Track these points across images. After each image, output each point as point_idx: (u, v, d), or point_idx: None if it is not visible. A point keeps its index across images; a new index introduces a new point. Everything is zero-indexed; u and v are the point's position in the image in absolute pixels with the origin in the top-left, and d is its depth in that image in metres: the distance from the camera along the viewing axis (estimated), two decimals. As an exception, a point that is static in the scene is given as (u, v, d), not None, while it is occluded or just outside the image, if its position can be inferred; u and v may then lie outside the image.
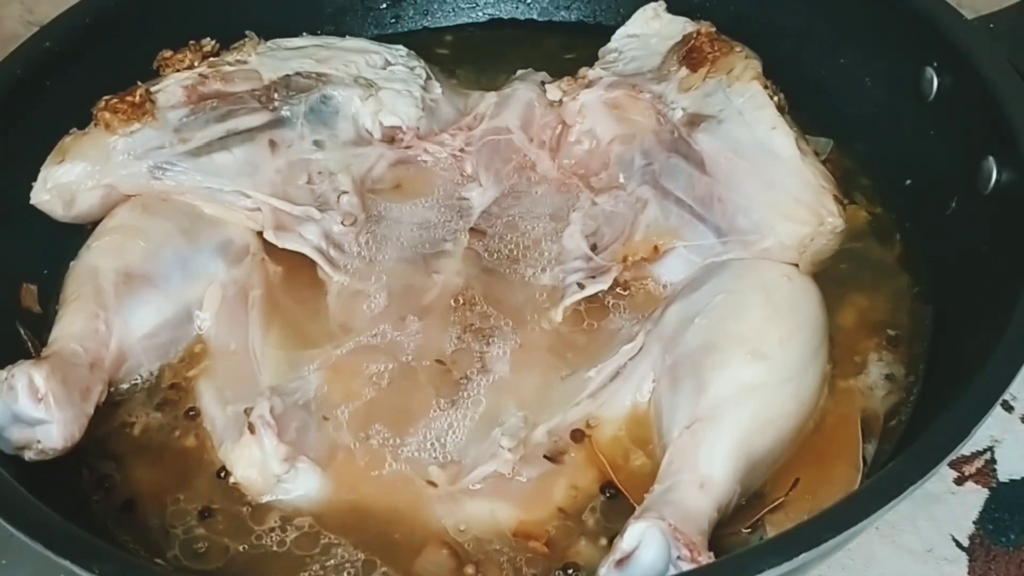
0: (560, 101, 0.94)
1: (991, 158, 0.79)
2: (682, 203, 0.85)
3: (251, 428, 0.73)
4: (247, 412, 0.74)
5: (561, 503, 0.74)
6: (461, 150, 0.94)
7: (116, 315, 0.79)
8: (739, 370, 0.74)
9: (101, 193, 0.85)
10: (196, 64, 0.90)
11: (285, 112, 0.89)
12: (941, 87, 0.85)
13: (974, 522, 0.79)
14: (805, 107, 0.91)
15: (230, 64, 0.90)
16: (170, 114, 0.86)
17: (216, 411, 0.78)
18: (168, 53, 0.90)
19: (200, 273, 0.83)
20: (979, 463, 0.82)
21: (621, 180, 0.90)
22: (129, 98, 0.85)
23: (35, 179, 0.85)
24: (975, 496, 0.81)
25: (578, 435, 0.77)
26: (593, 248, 0.87)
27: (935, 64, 0.85)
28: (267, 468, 0.73)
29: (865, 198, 0.90)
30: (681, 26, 0.95)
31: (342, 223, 0.87)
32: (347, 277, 0.85)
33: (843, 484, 0.71)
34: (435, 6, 1.09)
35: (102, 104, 0.85)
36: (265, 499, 0.74)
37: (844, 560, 0.77)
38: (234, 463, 0.74)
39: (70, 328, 0.77)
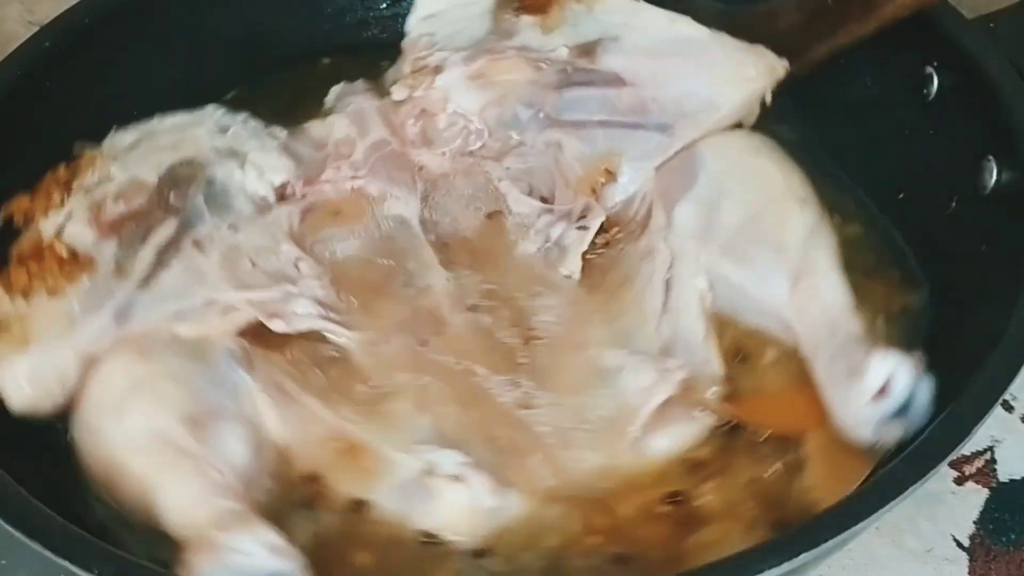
0: (411, 97, 0.92)
1: (991, 158, 0.79)
2: (606, 123, 0.87)
3: (455, 479, 0.71)
4: (427, 473, 0.71)
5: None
6: (354, 178, 0.89)
7: (216, 459, 0.71)
8: (800, 219, 0.80)
9: (80, 365, 0.75)
10: (66, 198, 0.81)
11: (189, 210, 0.82)
12: (941, 87, 0.85)
13: (974, 522, 0.79)
14: (804, 107, 0.90)
15: (101, 183, 0.82)
16: (101, 253, 0.79)
17: (375, 500, 0.73)
18: (25, 201, 0.80)
19: (235, 388, 0.75)
20: (979, 463, 0.82)
21: (515, 138, 0.90)
22: (50, 255, 0.77)
23: (35, 181, 0.84)
24: (975, 496, 0.81)
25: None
26: (543, 200, 0.87)
27: (935, 64, 0.85)
28: (481, 507, 0.70)
29: (864, 198, 0.90)
30: None
31: (320, 286, 0.82)
32: (360, 332, 0.81)
33: None
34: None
35: (21, 273, 0.76)
36: (481, 536, 0.71)
37: (844, 560, 0.77)
38: (446, 520, 0.71)
39: (193, 494, 0.69)
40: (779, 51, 0.85)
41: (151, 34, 0.95)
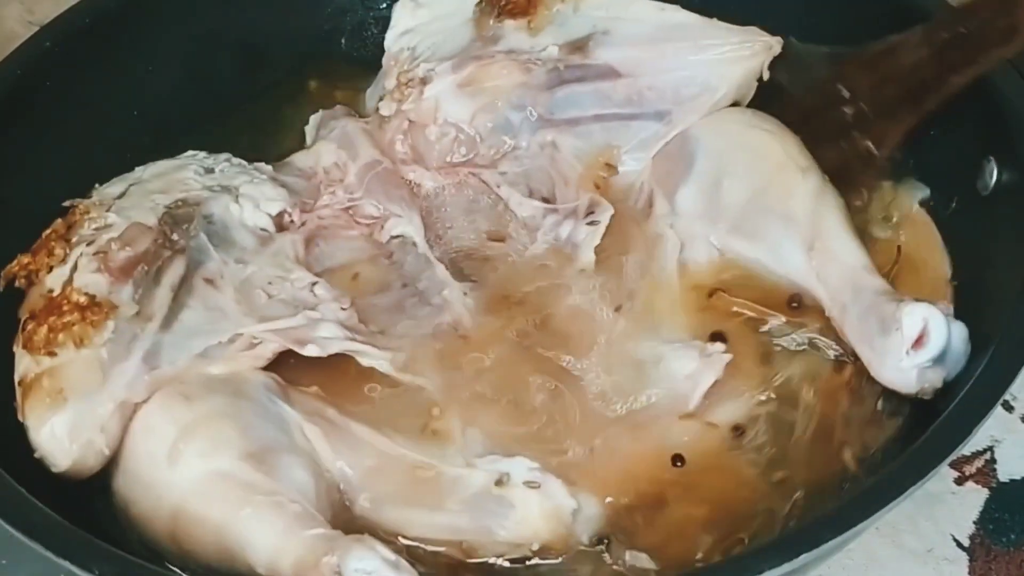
0: (399, 112, 0.91)
1: (991, 158, 0.79)
2: (602, 117, 0.89)
3: (531, 485, 0.70)
4: (501, 482, 0.70)
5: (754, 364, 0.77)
6: (350, 200, 0.89)
7: (290, 492, 0.68)
8: (803, 187, 0.81)
9: (120, 415, 0.72)
10: (67, 251, 0.77)
11: (194, 248, 0.80)
12: (941, 87, 0.85)
13: (974, 522, 0.79)
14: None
15: (100, 232, 0.79)
16: (119, 298, 0.75)
17: (443, 517, 0.71)
18: (26, 259, 0.78)
19: (282, 421, 0.74)
20: (979, 463, 0.82)
21: (508, 142, 0.90)
22: (68, 305, 0.74)
23: (34, 180, 0.84)
24: (975, 496, 0.81)
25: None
26: (545, 201, 0.87)
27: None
28: (564, 510, 0.70)
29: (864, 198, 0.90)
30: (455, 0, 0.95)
31: (341, 307, 0.81)
32: (391, 352, 0.79)
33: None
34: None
35: (40, 330, 0.73)
36: (577, 541, 0.70)
37: (844, 560, 0.77)
38: (536, 527, 0.70)
39: (278, 528, 0.66)
40: (909, 90, 0.82)
41: (151, 34, 0.95)
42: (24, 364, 0.73)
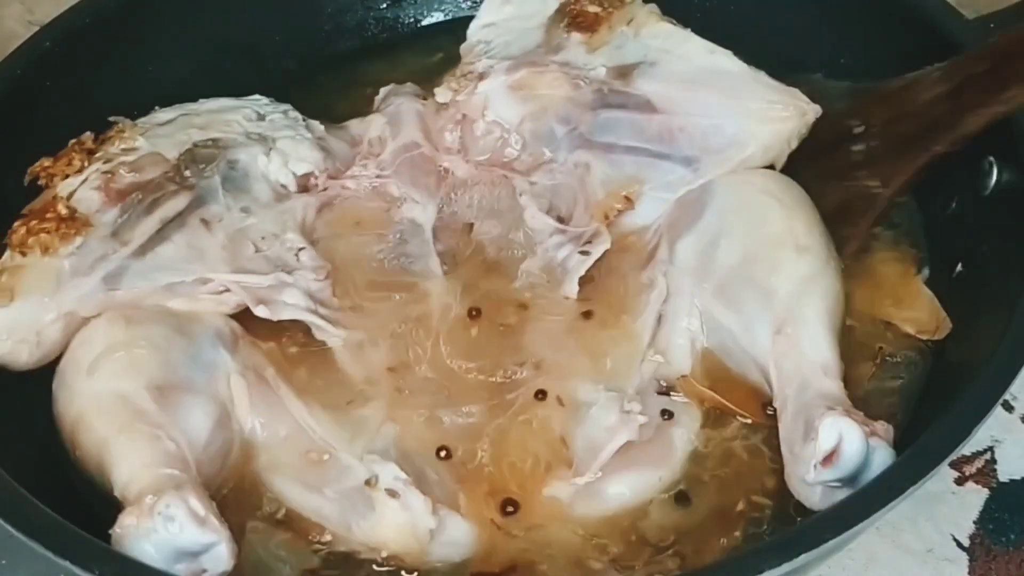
0: (453, 101, 0.92)
1: (991, 158, 0.79)
2: (634, 150, 0.88)
3: (392, 493, 0.70)
4: (370, 483, 0.71)
5: (684, 451, 0.75)
6: (378, 177, 0.90)
7: (174, 430, 0.71)
8: (793, 266, 0.78)
9: (63, 323, 0.77)
10: (86, 164, 0.83)
11: (203, 188, 0.83)
12: (941, 87, 0.85)
13: (974, 522, 0.79)
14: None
15: (123, 154, 0.83)
16: (102, 218, 0.80)
17: (315, 500, 0.73)
18: (47, 162, 0.83)
19: (213, 367, 0.76)
20: (979, 463, 0.82)
21: (547, 154, 0.90)
22: (51, 214, 0.79)
23: (34, 180, 0.84)
24: (975, 496, 0.81)
25: (664, 390, 0.78)
26: (560, 220, 0.87)
27: (934, 64, 0.85)
28: (419, 527, 0.69)
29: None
30: (541, 1, 0.96)
31: (315, 279, 0.82)
32: (346, 331, 0.81)
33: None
34: (435, 5, 1.09)
35: (21, 229, 0.78)
36: (431, 560, 0.70)
37: (844, 560, 0.77)
38: (385, 536, 0.70)
39: (142, 458, 0.69)
40: (923, 127, 0.81)
41: (151, 35, 0.95)
42: (3, 257, 0.79)
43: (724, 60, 0.88)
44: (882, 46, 0.90)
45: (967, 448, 0.80)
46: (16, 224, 0.79)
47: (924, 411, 0.75)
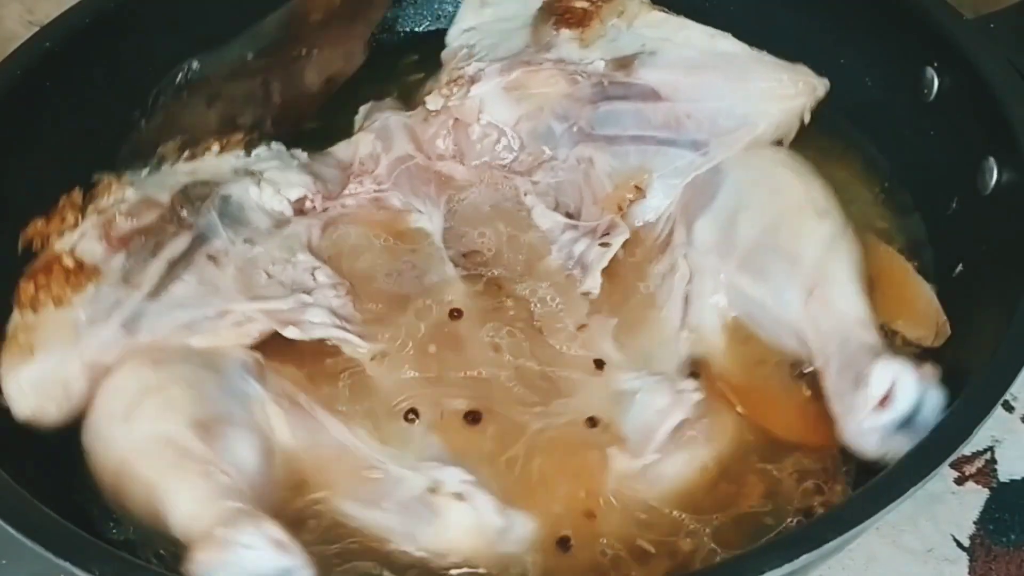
0: (445, 107, 0.91)
1: (991, 158, 0.79)
2: (639, 139, 0.87)
3: (458, 497, 0.69)
4: (434, 490, 0.70)
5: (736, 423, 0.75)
6: (377, 192, 0.89)
7: (224, 464, 0.70)
8: (817, 231, 0.79)
9: (88, 374, 0.75)
10: (80, 219, 0.82)
11: (202, 225, 0.82)
12: (941, 87, 0.85)
13: (975, 522, 0.79)
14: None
15: (115, 204, 0.82)
16: (109, 265, 0.79)
17: (375, 516, 0.72)
18: (40, 223, 0.81)
19: (246, 398, 0.75)
20: (979, 463, 0.82)
21: (547, 152, 0.90)
22: (57, 267, 0.77)
23: (34, 180, 0.84)
24: (975, 496, 0.81)
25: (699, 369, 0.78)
26: (569, 216, 0.87)
27: (935, 64, 0.85)
28: (488, 526, 0.69)
29: (864, 198, 0.90)
30: (522, 2, 0.95)
31: (336, 295, 0.82)
32: (374, 344, 0.80)
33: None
34: (436, 6, 1.09)
35: (29, 287, 0.77)
36: (504, 561, 0.70)
37: (844, 560, 0.77)
38: (453, 540, 0.69)
39: (200, 494, 0.68)
40: None
41: (152, 34, 0.94)
42: (12, 318, 0.77)
43: (726, 43, 0.89)
44: (881, 46, 0.90)
45: (967, 448, 0.79)
46: (21, 283, 0.77)
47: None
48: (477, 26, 0.96)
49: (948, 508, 0.80)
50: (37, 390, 0.75)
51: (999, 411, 0.82)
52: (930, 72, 0.85)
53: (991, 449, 0.83)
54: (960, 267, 0.80)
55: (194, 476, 0.69)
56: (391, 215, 0.88)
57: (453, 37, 0.97)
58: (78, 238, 0.80)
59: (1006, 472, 0.82)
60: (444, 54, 0.96)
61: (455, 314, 0.82)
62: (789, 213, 0.81)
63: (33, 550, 0.62)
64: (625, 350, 0.79)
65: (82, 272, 0.77)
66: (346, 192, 0.89)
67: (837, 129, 0.92)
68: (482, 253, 0.86)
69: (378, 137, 0.92)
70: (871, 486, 0.63)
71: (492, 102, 0.90)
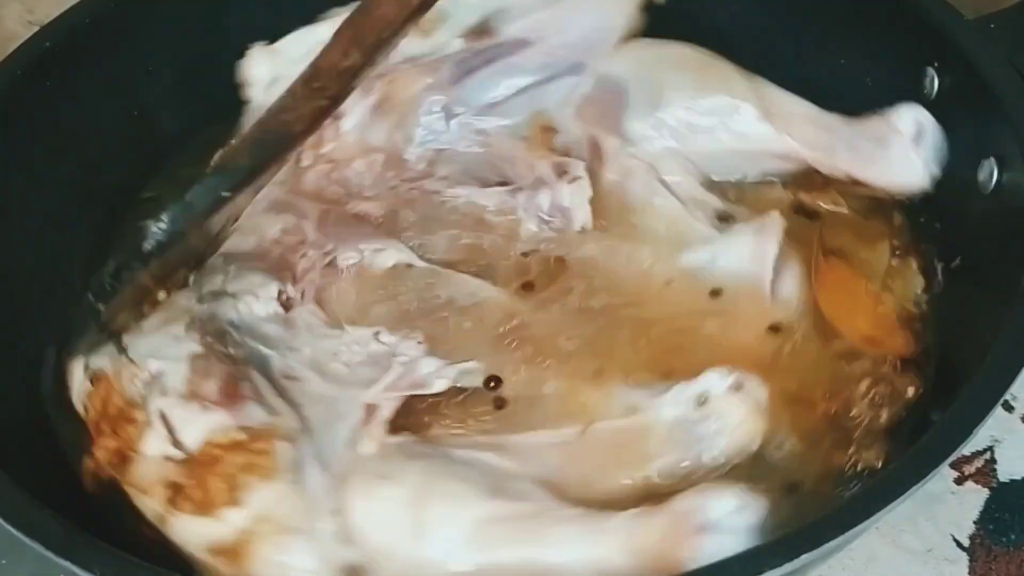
0: (318, 156, 0.88)
1: (991, 158, 0.79)
2: (522, 90, 0.89)
3: (737, 387, 0.70)
4: (703, 402, 0.69)
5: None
6: (326, 254, 0.83)
7: (547, 503, 0.67)
8: (733, 72, 0.86)
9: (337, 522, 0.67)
10: (137, 416, 0.70)
11: (250, 356, 0.76)
12: (941, 87, 0.85)
13: (975, 522, 0.79)
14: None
15: (153, 383, 0.72)
16: (258, 418, 0.70)
17: (660, 464, 0.69)
18: (109, 443, 0.70)
19: (464, 459, 0.70)
20: (979, 463, 0.82)
21: (435, 146, 0.90)
22: (220, 450, 0.67)
23: (34, 181, 0.84)
24: (975, 496, 0.81)
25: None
26: (504, 184, 0.87)
27: (935, 64, 0.85)
28: (761, 402, 0.70)
29: (864, 198, 0.90)
30: (319, 31, 0.89)
31: (418, 343, 0.77)
32: (478, 364, 0.77)
33: None
34: (436, 7, 1.09)
35: (215, 483, 0.66)
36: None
37: (844, 560, 0.77)
38: (750, 429, 0.69)
39: (582, 529, 0.64)
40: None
41: (152, 34, 0.95)
42: (209, 530, 0.66)
43: None
44: (881, 46, 0.90)
45: (967, 448, 0.79)
46: (191, 491, 0.67)
47: (924, 411, 0.75)
48: (280, 76, 0.88)
49: (948, 508, 0.80)
50: (327, 562, 0.66)
51: (999, 411, 0.82)
52: (930, 72, 0.85)
53: (991, 449, 0.83)
54: (960, 268, 0.80)
55: (553, 527, 0.64)
56: (361, 266, 0.83)
57: (260, 96, 0.90)
58: (166, 430, 0.69)
59: (1006, 472, 0.82)
60: (255, 107, 0.90)
61: (502, 304, 0.81)
62: (703, 71, 0.86)
63: (33, 550, 0.62)
64: (662, 249, 0.81)
65: (260, 436, 0.68)
66: (300, 271, 0.83)
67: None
68: (464, 253, 0.85)
69: (277, 211, 0.85)
70: (871, 486, 0.63)
71: (367, 127, 0.88)
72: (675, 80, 0.86)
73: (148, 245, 0.75)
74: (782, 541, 0.60)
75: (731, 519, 0.62)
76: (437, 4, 0.84)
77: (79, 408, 0.74)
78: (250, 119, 0.91)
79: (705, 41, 0.91)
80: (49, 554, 0.61)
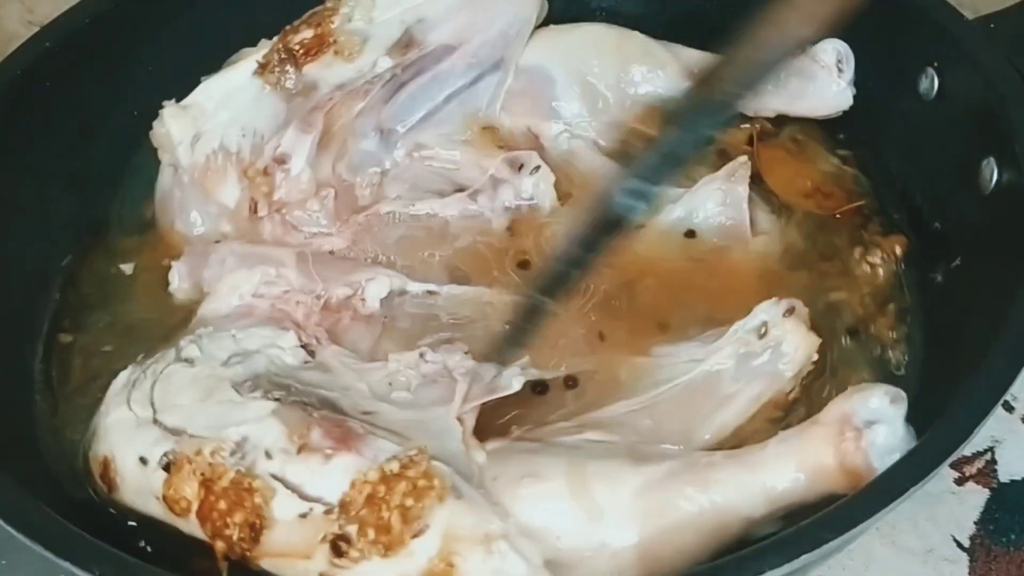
0: (271, 203, 0.87)
1: (991, 158, 0.79)
2: (451, 96, 0.92)
3: (791, 311, 0.75)
4: (763, 333, 0.75)
5: None
6: (317, 297, 0.82)
7: (699, 452, 0.72)
8: (648, 42, 0.92)
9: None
10: (253, 484, 0.66)
11: (317, 401, 0.73)
12: (941, 87, 0.85)
13: (975, 522, 0.79)
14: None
15: (240, 452, 0.69)
16: (383, 451, 0.68)
17: (743, 399, 0.74)
18: (239, 519, 0.66)
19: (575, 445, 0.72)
20: (979, 463, 0.82)
21: (376, 170, 0.90)
22: (386, 488, 0.64)
23: (34, 181, 0.84)
24: (976, 496, 0.81)
25: None
26: (462, 190, 0.89)
27: (935, 64, 0.85)
28: (807, 319, 0.76)
29: (864, 199, 0.90)
30: (231, 77, 0.89)
31: (465, 353, 0.76)
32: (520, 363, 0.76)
33: None
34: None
35: (389, 521, 0.63)
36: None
37: (844, 560, 0.77)
38: (810, 344, 0.75)
39: (747, 465, 0.67)
40: None
41: (151, 34, 0.94)
42: (403, 568, 0.63)
43: None
44: (881, 46, 0.90)
45: (967, 448, 0.79)
46: (358, 537, 0.64)
47: (924, 412, 0.75)
48: (202, 130, 0.88)
49: (948, 508, 0.80)
50: (538, 558, 0.65)
51: (999, 411, 0.82)
52: (930, 72, 0.85)
53: (991, 449, 0.83)
54: (959, 265, 0.80)
55: (716, 470, 0.67)
56: (356, 299, 0.82)
57: (187, 155, 0.87)
58: (290, 490, 0.66)
59: (1006, 472, 0.82)
60: (192, 176, 0.87)
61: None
62: (621, 47, 0.92)
63: (33, 550, 0.62)
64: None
65: (410, 462, 0.65)
66: (303, 317, 0.81)
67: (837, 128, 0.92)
68: (451, 265, 0.86)
69: (249, 266, 0.83)
70: (871, 486, 0.63)
71: (315, 165, 0.87)
72: (600, 61, 0.91)
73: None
74: (782, 541, 0.61)
75: (888, 411, 0.66)
76: (351, 26, 0.87)
77: (141, 503, 0.70)
78: (169, 185, 0.88)
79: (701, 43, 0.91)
80: (49, 554, 0.61)
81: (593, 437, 0.72)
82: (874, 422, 0.65)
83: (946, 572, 0.77)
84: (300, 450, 0.67)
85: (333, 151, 0.89)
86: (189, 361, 0.76)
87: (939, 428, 0.64)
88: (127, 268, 0.89)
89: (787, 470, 0.66)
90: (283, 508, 0.66)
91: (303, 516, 0.65)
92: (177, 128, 0.88)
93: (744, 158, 0.87)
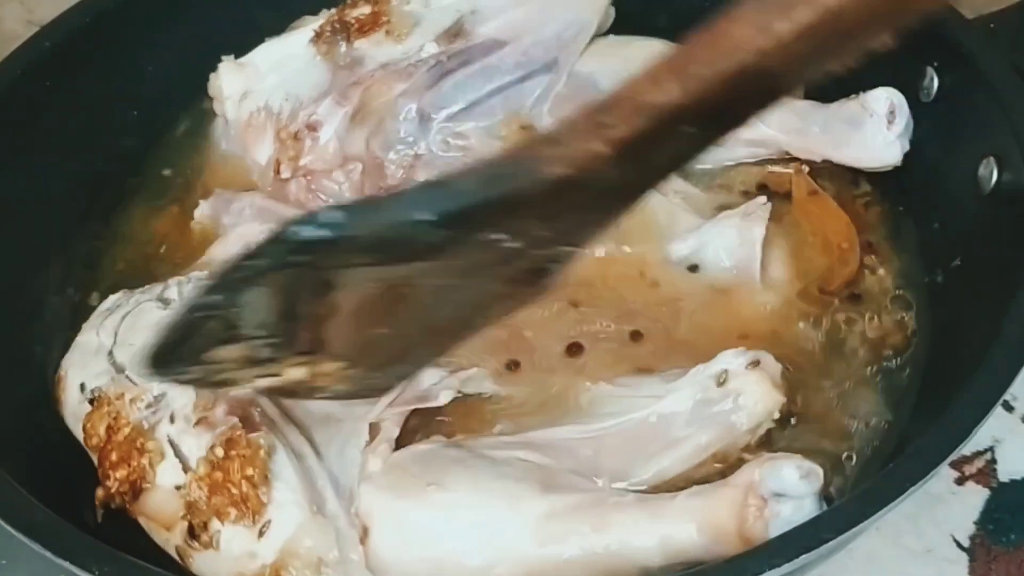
0: (296, 168, 0.87)
1: (991, 158, 0.79)
2: (497, 90, 0.90)
3: (755, 364, 0.71)
4: (722, 382, 0.71)
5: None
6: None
7: (607, 493, 0.70)
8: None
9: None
10: (146, 444, 0.68)
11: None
12: (941, 87, 0.85)
13: (975, 522, 0.79)
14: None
15: (156, 405, 0.70)
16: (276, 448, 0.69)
17: (687, 449, 0.71)
18: (120, 473, 0.68)
19: (496, 461, 0.71)
20: (980, 463, 0.82)
21: (411, 152, 0.89)
22: (228, 479, 0.65)
23: (34, 181, 0.84)
24: (976, 496, 0.81)
25: None
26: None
27: (935, 64, 0.85)
28: (776, 376, 0.72)
29: (865, 199, 0.90)
30: (288, 42, 0.91)
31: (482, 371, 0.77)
32: (481, 370, 0.77)
33: None
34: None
35: (221, 507, 0.65)
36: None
37: (844, 560, 0.77)
38: (770, 402, 0.71)
39: (645, 513, 0.65)
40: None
41: (151, 34, 0.95)
42: (237, 566, 0.65)
43: None
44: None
45: (967, 448, 0.79)
46: (198, 526, 0.66)
47: (924, 411, 0.75)
48: (251, 89, 0.91)
49: (948, 508, 0.80)
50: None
51: (999, 411, 0.82)
52: (930, 72, 0.85)
53: (991, 449, 0.83)
54: (959, 265, 0.80)
55: (617, 513, 0.65)
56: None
57: (233, 111, 0.91)
58: (175, 457, 0.67)
59: (1006, 472, 0.82)
60: (235, 130, 0.91)
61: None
62: None
63: (33, 550, 0.62)
64: (648, 233, 0.82)
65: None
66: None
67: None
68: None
69: (259, 219, 0.85)
70: (871, 486, 0.63)
71: (345, 136, 0.88)
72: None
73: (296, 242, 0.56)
74: (782, 541, 0.61)
75: (798, 487, 0.63)
76: (408, 8, 0.87)
77: (73, 427, 0.73)
78: (219, 134, 0.92)
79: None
80: (49, 554, 0.61)
81: (526, 456, 0.70)
82: (781, 495, 0.63)
83: (946, 572, 0.77)
84: (198, 423, 0.67)
85: (369, 127, 0.89)
86: (165, 302, 0.76)
87: (939, 428, 0.64)
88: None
89: (688, 525, 0.64)
90: (165, 475, 0.67)
91: (178, 488, 0.66)
92: (228, 84, 0.91)
93: (763, 199, 0.83)
